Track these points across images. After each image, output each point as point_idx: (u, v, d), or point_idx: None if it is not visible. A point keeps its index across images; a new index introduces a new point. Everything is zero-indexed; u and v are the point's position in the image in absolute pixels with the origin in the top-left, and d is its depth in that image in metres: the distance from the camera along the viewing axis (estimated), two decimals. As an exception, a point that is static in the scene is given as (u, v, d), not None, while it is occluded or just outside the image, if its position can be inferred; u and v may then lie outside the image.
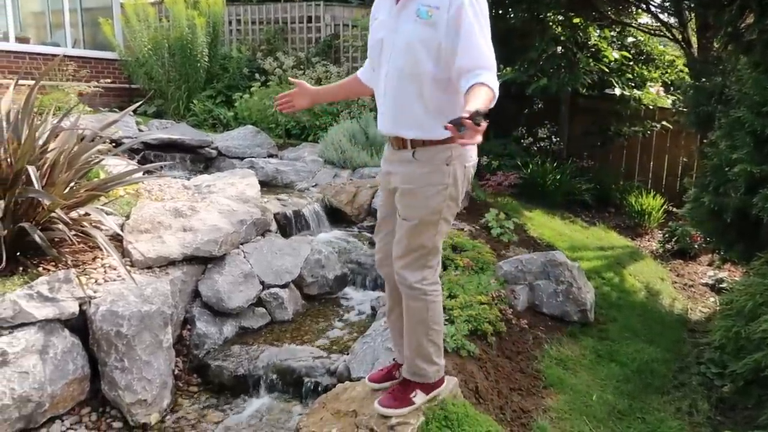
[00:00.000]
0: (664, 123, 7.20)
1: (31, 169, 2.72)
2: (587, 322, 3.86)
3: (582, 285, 3.89)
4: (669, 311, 4.48)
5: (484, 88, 1.75)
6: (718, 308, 4.25)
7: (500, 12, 7.19)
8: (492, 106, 1.76)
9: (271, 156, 6.36)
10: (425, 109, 1.97)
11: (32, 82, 3.28)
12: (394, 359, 2.50)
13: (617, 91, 6.80)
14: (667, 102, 7.22)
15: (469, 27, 1.84)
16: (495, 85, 1.79)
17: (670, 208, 6.81)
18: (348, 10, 9.50)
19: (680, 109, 6.48)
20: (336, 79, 8.07)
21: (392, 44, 2.00)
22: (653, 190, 6.95)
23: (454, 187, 2.05)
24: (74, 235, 3.00)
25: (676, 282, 5.18)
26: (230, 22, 10.07)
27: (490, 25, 1.94)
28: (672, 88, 7.39)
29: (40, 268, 2.91)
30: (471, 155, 2.10)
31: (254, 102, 7.72)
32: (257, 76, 8.55)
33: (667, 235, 5.86)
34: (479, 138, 1.59)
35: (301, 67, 8.75)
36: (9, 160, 2.85)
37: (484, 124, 1.57)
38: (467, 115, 1.55)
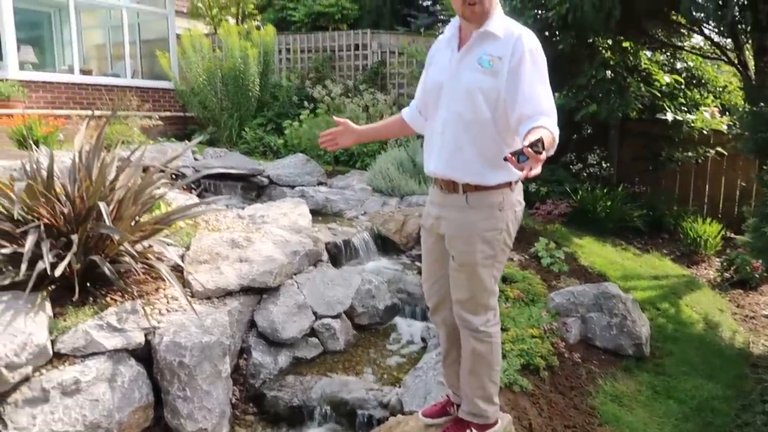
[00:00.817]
0: (719, 149, 7.00)
1: (102, 206, 2.88)
2: (642, 356, 3.78)
3: (636, 318, 3.81)
4: (729, 345, 4.33)
5: (544, 130, 1.77)
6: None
7: (547, 36, 7.19)
8: (552, 151, 1.78)
9: (320, 184, 6.49)
10: (481, 156, 2.00)
11: (93, 112, 3.47)
12: (447, 395, 2.52)
13: (669, 116, 6.67)
14: (723, 126, 7.01)
15: (529, 76, 1.88)
16: (555, 130, 1.81)
17: (728, 234, 6.59)
18: (394, 37, 9.66)
19: (736, 133, 6.30)
20: (383, 107, 8.20)
21: (452, 90, 2.03)
22: (709, 215, 6.74)
23: (507, 232, 2.08)
24: (139, 266, 3.14)
25: (736, 313, 4.99)
26: (280, 51, 10.38)
27: (548, 60, 1.98)
28: (728, 112, 7.18)
29: (108, 299, 3.06)
30: (520, 199, 2.12)
31: (303, 130, 7.91)
32: (306, 103, 8.77)
33: (725, 264, 5.67)
34: (539, 169, 1.62)
35: (349, 94, 8.92)
36: (82, 196, 3.03)
37: (544, 155, 1.60)
38: (527, 143, 1.59)
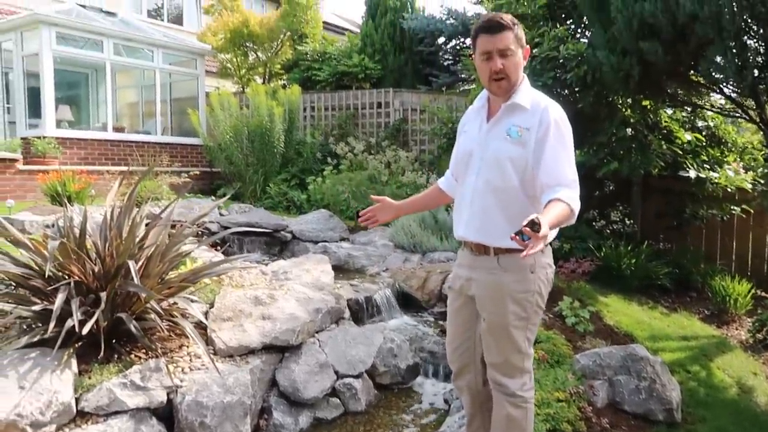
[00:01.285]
0: (744, 206, 6.92)
1: (131, 264, 2.94)
2: (674, 421, 3.64)
3: (666, 382, 3.70)
4: (765, 410, 4.15)
5: (560, 204, 1.85)
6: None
7: (567, 95, 7.30)
8: (571, 221, 1.87)
9: (343, 239, 6.55)
10: (510, 220, 2.04)
11: (124, 168, 3.60)
12: None
13: (692, 173, 6.64)
14: (747, 183, 6.95)
15: (553, 146, 1.98)
16: (573, 201, 1.89)
17: (759, 293, 6.42)
18: (416, 95, 9.90)
19: (762, 190, 6.23)
20: (405, 163, 8.33)
21: (481, 158, 2.12)
22: (738, 273, 6.59)
23: (539, 294, 2.09)
24: (164, 324, 3.18)
25: (770, 377, 4.81)
26: (305, 109, 10.70)
27: (568, 119, 2.06)
28: (751, 169, 7.13)
29: (133, 356, 3.08)
30: (551, 262, 2.16)
31: (327, 185, 8.05)
32: (329, 159, 8.96)
33: (757, 325, 5.49)
34: (541, 245, 1.68)
35: (371, 151, 9.10)
36: (112, 254, 3.10)
37: (546, 231, 1.68)
38: (525, 223, 1.66)
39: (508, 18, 2.05)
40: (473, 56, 2.15)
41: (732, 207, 6.93)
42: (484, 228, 2.10)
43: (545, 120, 1.99)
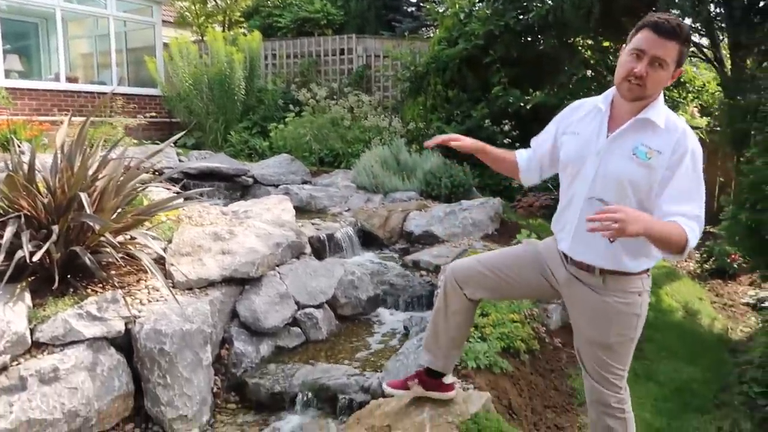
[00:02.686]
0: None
1: (83, 196, 2.89)
2: (623, 341, 3.81)
3: (616, 304, 3.85)
4: (708, 331, 4.39)
5: (675, 225, 1.69)
6: (759, 326, 4.15)
7: (530, 39, 7.30)
8: (678, 253, 1.72)
9: (305, 182, 6.53)
10: (623, 246, 1.86)
11: (83, 119, 3.51)
12: (421, 365, 2.47)
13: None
14: (702, 123, 7.14)
15: (685, 176, 1.76)
16: (691, 231, 1.70)
17: (708, 228, 6.67)
18: (379, 41, 9.76)
19: (715, 128, 6.41)
20: (368, 108, 8.26)
21: (597, 172, 1.88)
22: (690, 210, 6.83)
23: (644, 317, 1.97)
24: (120, 257, 3.15)
25: (715, 302, 5.06)
26: (266, 57, 10.45)
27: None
28: (706, 112, 7.30)
29: (89, 290, 3.06)
30: (651, 283, 2.01)
31: (289, 131, 7.95)
32: (291, 107, 8.83)
33: (704, 255, 5.75)
34: (612, 227, 1.55)
35: (334, 97, 8.99)
36: (63, 187, 3.04)
37: (641, 237, 1.61)
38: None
39: (686, 28, 1.79)
40: (624, 46, 1.88)
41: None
42: (591, 247, 1.90)
43: (682, 146, 1.76)
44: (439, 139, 2.22)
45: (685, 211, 1.73)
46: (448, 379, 2.45)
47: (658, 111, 1.81)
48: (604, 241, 1.78)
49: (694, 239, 1.70)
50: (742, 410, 3.23)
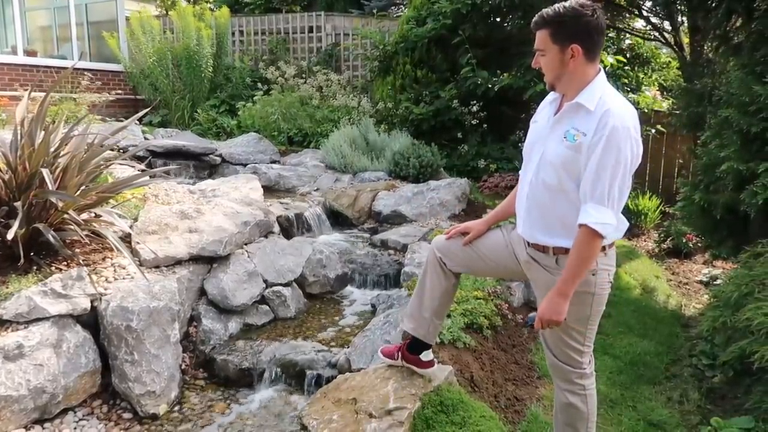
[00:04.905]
0: (659, 127, 7.31)
1: (45, 172, 2.85)
2: (582, 317, 3.96)
3: (576, 281, 3.99)
4: (663, 307, 4.58)
5: (575, 248, 1.85)
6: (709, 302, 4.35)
7: (497, 20, 7.35)
8: (595, 248, 1.84)
9: (273, 162, 6.50)
10: (568, 222, 1.92)
11: (42, 94, 3.43)
12: (403, 338, 2.55)
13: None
14: (663, 105, 7.34)
15: (601, 155, 1.80)
16: (596, 223, 1.80)
17: (666, 209, 6.91)
18: (348, 19, 9.68)
19: (674, 111, 6.60)
20: (336, 87, 8.22)
21: (540, 155, 1.98)
22: (649, 191, 7.05)
23: (600, 296, 2.02)
24: (86, 235, 3.13)
25: (671, 280, 5.27)
26: (234, 34, 10.26)
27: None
28: (667, 92, 7.51)
29: (53, 267, 3.04)
30: (612, 263, 2.05)
31: (257, 110, 7.88)
32: (260, 85, 8.73)
33: (662, 235, 5.96)
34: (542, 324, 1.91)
35: (303, 75, 8.92)
36: (25, 164, 2.99)
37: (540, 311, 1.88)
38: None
39: (548, 12, 1.88)
40: None
41: (648, 128, 7.30)
42: (540, 227, 1.99)
43: (602, 125, 1.80)
44: (455, 230, 2.36)
45: (596, 194, 1.80)
46: (428, 356, 2.52)
47: (591, 95, 1.87)
48: (552, 223, 1.94)
49: (602, 228, 1.79)
50: (690, 381, 3.40)
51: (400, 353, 2.53)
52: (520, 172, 2.24)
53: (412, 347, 2.50)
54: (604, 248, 1.97)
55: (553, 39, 1.87)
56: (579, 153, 1.85)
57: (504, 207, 2.35)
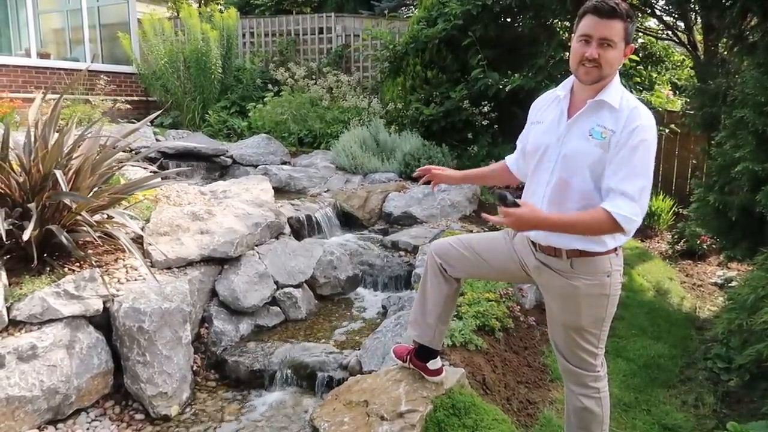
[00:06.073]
0: (672, 126, 7.24)
1: (59, 173, 2.87)
2: (595, 319, 3.92)
3: (589, 283, 3.95)
4: (677, 310, 4.53)
5: (589, 214, 1.79)
6: (724, 305, 4.29)
7: (508, 20, 7.32)
8: (616, 233, 1.82)
9: (284, 163, 6.51)
10: None
11: (55, 97, 3.45)
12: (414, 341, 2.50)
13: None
14: (677, 105, 7.26)
15: (631, 150, 1.79)
16: (624, 217, 1.75)
17: (680, 210, 6.84)
18: (358, 20, 9.68)
19: (687, 111, 6.53)
20: (347, 88, 8.22)
21: (557, 155, 1.93)
22: (663, 192, 6.98)
23: (614, 296, 2.00)
24: (98, 236, 3.14)
25: (684, 282, 5.21)
26: (244, 35, 10.30)
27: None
28: (679, 91, 7.43)
29: (66, 269, 3.05)
30: (621, 262, 2.03)
31: (267, 111, 7.89)
32: (270, 86, 8.76)
33: (675, 237, 5.90)
34: (504, 220, 1.71)
35: (313, 77, 8.93)
36: (38, 165, 3.01)
37: (518, 210, 1.70)
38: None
39: (624, 6, 1.82)
40: (573, 35, 1.90)
41: (661, 128, 7.23)
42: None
43: (631, 122, 1.80)
44: (425, 168, 2.48)
45: (624, 187, 1.77)
46: (435, 364, 2.48)
47: (614, 92, 1.86)
48: None
49: (626, 220, 1.75)
50: (705, 385, 3.36)
51: (409, 358, 2.52)
52: (512, 160, 2.31)
53: (419, 354, 2.47)
54: (616, 249, 1.96)
55: (625, 34, 1.84)
56: (606, 151, 1.82)
57: (483, 172, 2.49)
